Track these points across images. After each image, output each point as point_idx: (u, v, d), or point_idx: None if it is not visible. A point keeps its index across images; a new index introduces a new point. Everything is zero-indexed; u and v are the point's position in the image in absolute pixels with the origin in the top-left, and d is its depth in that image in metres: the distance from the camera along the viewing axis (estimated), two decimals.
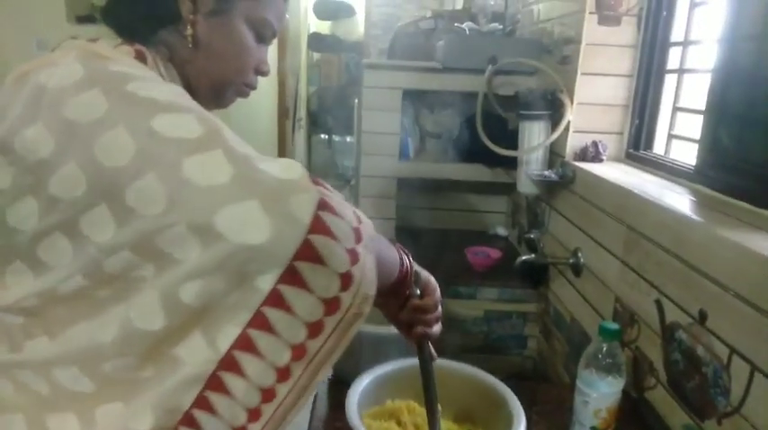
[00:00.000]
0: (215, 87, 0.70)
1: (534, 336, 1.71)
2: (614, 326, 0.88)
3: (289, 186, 0.51)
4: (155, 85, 0.57)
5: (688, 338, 0.93)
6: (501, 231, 2.04)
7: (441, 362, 0.80)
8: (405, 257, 0.68)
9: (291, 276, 0.50)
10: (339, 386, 0.95)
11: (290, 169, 0.53)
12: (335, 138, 7.32)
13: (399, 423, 0.86)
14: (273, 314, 0.50)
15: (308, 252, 0.50)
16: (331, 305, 0.52)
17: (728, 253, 0.85)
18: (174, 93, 0.57)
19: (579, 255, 1.38)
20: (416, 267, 0.70)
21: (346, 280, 0.52)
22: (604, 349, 0.88)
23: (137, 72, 0.57)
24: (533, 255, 1.48)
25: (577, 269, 1.38)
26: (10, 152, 0.53)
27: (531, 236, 1.61)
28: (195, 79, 0.68)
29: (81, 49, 0.58)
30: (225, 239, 0.49)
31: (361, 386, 0.87)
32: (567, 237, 1.47)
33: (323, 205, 0.51)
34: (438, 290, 0.73)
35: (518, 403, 0.86)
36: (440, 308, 0.74)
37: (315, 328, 0.52)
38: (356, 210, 0.57)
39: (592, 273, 1.33)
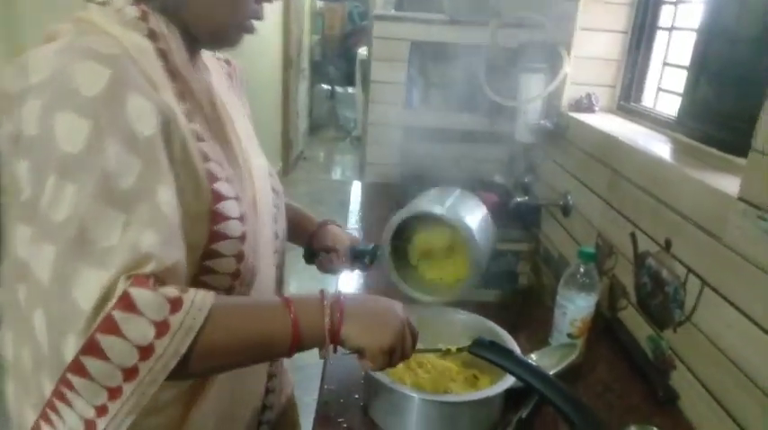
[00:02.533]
0: (215, 30, 0.71)
1: (525, 273, 1.87)
2: (590, 249, 1.03)
3: (72, 318, 0.54)
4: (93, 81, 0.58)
5: (655, 264, 1.09)
6: (498, 179, 2.17)
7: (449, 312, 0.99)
8: (303, 326, 0.65)
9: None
10: None
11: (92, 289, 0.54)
12: (337, 89, 7.36)
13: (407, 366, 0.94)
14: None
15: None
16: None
17: (693, 189, 0.99)
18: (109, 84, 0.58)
19: (568, 197, 1.53)
20: (348, 331, 0.67)
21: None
22: (582, 270, 1.03)
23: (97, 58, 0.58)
24: (527, 197, 1.62)
25: (566, 210, 1.53)
26: None
27: (526, 180, 1.75)
28: (193, 25, 0.69)
29: (78, 26, 0.63)
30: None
31: None
32: (559, 181, 1.62)
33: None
34: (381, 355, 0.69)
35: (517, 347, 0.93)
36: (393, 357, 0.71)
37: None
38: (180, 296, 0.58)
39: (579, 212, 1.48)
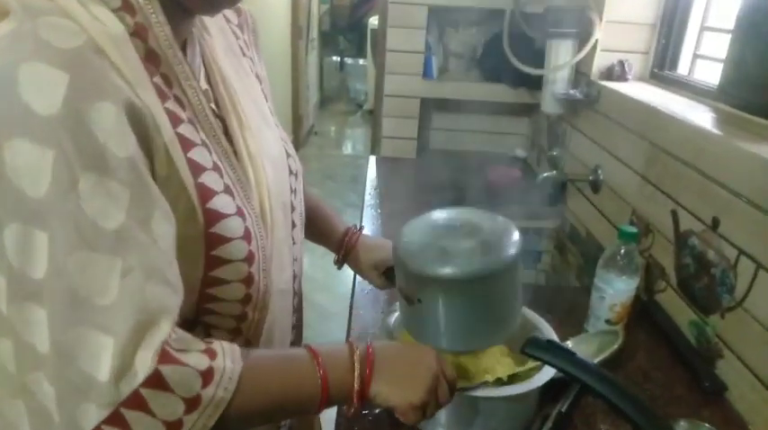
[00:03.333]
0: None
1: (548, 251, 1.81)
2: (633, 229, 0.96)
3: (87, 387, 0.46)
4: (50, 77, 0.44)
5: (700, 244, 1.01)
6: (520, 153, 2.09)
7: None
8: (331, 379, 0.59)
9: None
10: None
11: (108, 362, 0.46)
12: (347, 60, 7.22)
13: None
14: None
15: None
16: None
17: (744, 163, 0.91)
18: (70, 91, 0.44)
19: (599, 172, 1.44)
20: (377, 389, 0.61)
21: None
22: (622, 251, 0.96)
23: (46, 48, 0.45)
24: (554, 172, 1.54)
25: (596, 185, 1.45)
26: None
27: (554, 153, 1.66)
28: None
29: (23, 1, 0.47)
30: None
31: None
32: (588, 155, 1.53)
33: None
34: (412, 412, 0.63)
35: (555, 337, 0.84)
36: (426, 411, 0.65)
37: None
38: (213, 350, 0.53)
39: (610, 188, 1.40)
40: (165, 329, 0.49)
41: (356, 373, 0.61)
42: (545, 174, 1.51)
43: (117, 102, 0.48)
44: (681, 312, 1.06)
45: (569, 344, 0.96)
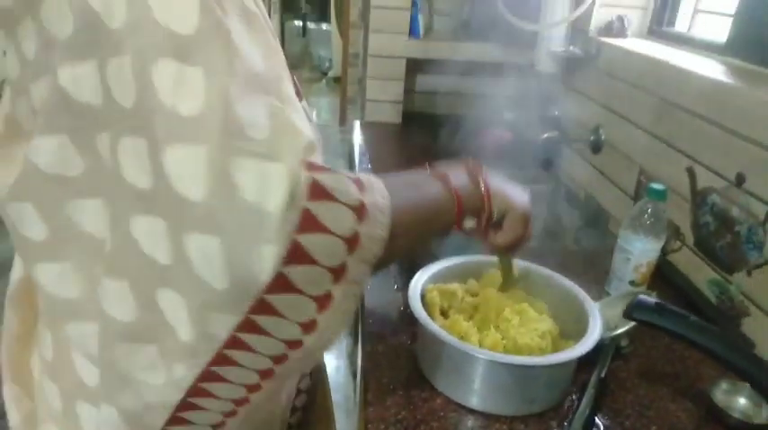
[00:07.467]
0: None
1: (541, 217, 1.77)
2: (661, 186, 0.92)
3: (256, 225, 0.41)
4: None
5: (722, 201, 0.98)
6: (507, 115, 2.03)
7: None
8: (459, 188, 0.61)
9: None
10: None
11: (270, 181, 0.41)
12: (310, 25, 6.97)
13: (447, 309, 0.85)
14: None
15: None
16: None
17: None
18: None
19: (600, 131, 1.40)
20: (494, 188, 0.64)
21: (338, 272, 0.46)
22: (650, 210, 0.92)
23: None
24: (557, 133, 1.50)
25: (597, 146, 1.41)
26: None
27: (556, 113, 1.61)
28: None
29: None
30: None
31: (431, 270, 0.86)
32: (587, 115, 1.49)
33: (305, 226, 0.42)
34: (523, 220, 0.67)
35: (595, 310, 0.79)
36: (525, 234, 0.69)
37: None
38: (359, 178, 0.49)
39: (613, 148, 1.36)
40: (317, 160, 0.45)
41: (468, 167, 0.63)
42: (546, 135, 1.46)
43: None
44: (698, 271, 1.04)
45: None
